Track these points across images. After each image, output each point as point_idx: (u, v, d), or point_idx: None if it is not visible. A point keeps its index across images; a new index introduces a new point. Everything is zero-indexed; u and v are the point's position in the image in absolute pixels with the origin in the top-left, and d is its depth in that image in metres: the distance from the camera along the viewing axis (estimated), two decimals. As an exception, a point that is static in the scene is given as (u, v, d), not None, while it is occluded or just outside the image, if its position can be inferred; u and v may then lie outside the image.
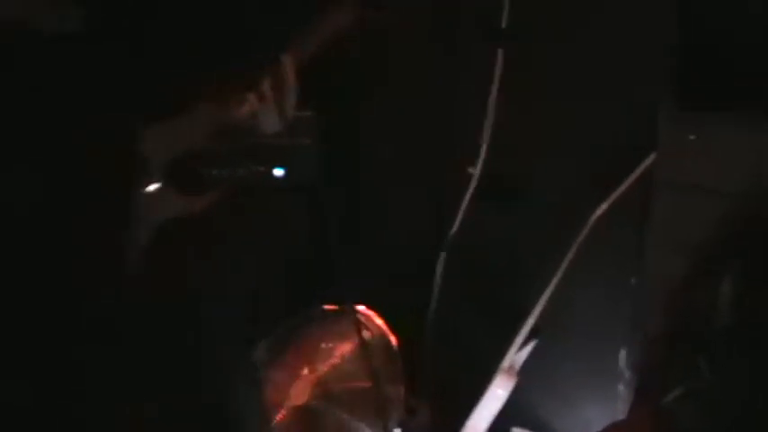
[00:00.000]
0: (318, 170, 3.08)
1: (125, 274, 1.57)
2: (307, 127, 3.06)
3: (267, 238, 3.13)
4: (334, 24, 2.44)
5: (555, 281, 2.88)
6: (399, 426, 2.89)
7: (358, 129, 3.17)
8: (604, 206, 2.85)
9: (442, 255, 3.09)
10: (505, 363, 2.89)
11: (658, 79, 2.75)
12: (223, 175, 2.99)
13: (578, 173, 2.93)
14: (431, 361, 3.09)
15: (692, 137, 2.60)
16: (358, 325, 2.93)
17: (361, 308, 2.97)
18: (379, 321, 2.95)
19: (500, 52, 2.95)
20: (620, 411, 2.74)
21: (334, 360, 2.90)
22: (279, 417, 2.82)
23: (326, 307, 2.99)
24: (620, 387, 2.78)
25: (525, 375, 2.90)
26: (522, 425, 3.04)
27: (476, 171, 3.02)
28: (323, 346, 2.92)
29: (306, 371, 2.90)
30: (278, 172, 3.07)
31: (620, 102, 2.85)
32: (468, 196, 3.04)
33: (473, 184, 3.03)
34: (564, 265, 2.88)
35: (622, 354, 2.79)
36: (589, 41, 2.88)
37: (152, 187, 2.33)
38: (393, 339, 2.93)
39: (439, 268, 3.10)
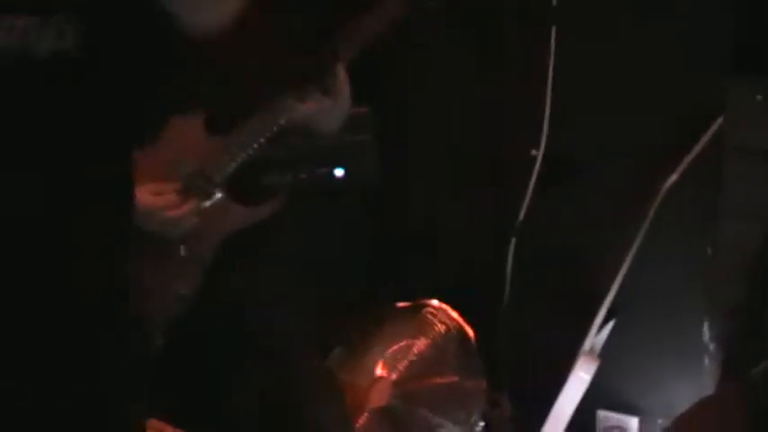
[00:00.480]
0: (378, 166, 3.06)
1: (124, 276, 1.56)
2: (364, 123, 3.03)
3: (332, 241, 3.11)
4: (383, 18, 2.39)
5: (629, 257, 2.83)
6: (482, 419, 2.85)
7: (411, 120, 3.14)
8: (674, 177, 2.78)
9: (512, 241, 3.04)
10: (586, 345, 2.84)
11: (721, 41, 2.68)
12: (285, 181, 2.97)
13: (645, 145, 2.86)
14: (509, 350, 3.05)
15: (758, 97, 2.53)
16: (432, 320, 2.90)
17: (434, 302, 2.94)
18: (455, 314, 2.91)
19: (553, 30, 2.89)
20: (706, 386, 2.67)
21: (412, 358, 2.87)
22: (361, 420, 2.80)
23: (399, 305, 2.96)
24: (706, 361, 2.72)
25: (607, 357, 2.85)
26: (607, 407, 2.99)
27: (539, 153, 2.96)
28: (399, 345, 2.89)
29: (384, 372, 2.87)
30: (339, 172, 3.05)
31: (683, 68, 2.79)
32: (533, 179, 2.98)
33: (537, 166, 2.97)
34: (637, 240, 2.82)
35: (705, 327, 2.72)
36: (648, 9, 2.81)
37: (216, 201, 2.31)
38: (470, 332, 2.89)
39: (510, 255, 3.05)
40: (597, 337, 2.85)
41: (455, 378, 2.85)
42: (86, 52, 1.37)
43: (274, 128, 2.32)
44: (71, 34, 1.35)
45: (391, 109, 3.03)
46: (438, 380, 2.85)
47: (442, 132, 3.13)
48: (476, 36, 3.01)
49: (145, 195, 2.22)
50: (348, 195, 3.09)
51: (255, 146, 2.33)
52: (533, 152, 2.96)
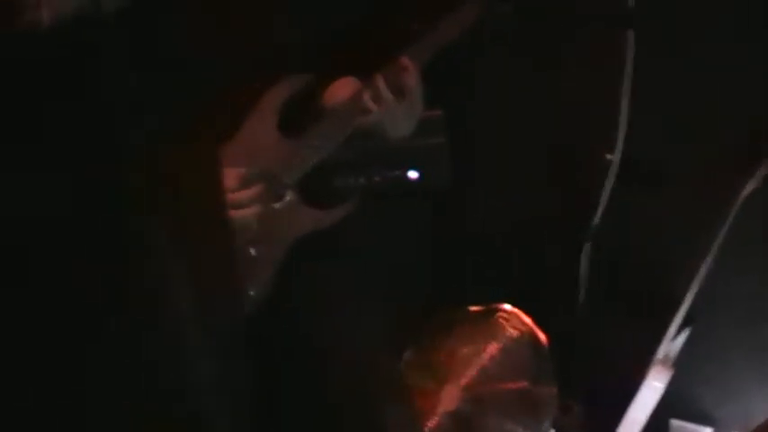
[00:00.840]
0: (452, 169, 3.05)
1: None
2: (437, 126, 3.03)
3: (404, 243, 3.10)
4: (460, 20, 2.38)
5: (706, 265, 2.78)
6: (553, 426, 2.83)
7: (482, 121, 3.12)
8: (754, 182, 2.73)
9: (587, 246, 3.00)
10: (660, 353, 2.80)
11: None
12: (358, 184, 2.97)
13: (722, 151, 2.82)
14: (581, 356, 3.01)
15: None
16: (504, 325, 2.88)
17: (506, 307, 2.92)
18: (527, 319, 2.89)
19: (630, 35, 2.86)
20: (785, 398, 2.63)
21: (483, 362, 2.85)
22: (430, 424, 2.79)
23: (471, 308, 2.94)
24: (785, 372, 2.68)
25: (682, 365, 2.81)
26: (680, 416, 2.95)
27: (614, 157, 2.93)
28: (470, 349, 2.87)
29: (454, 376, 2.85)
30: (413, 175, 3.05)
31: (764, 72, 2.73)
32: (608, 184, 2.95)
33: (612, 170, 2.93)
34: (715, 246, 2.78)
35: (783, 337, 2.68)
36: (726, 11, 2.77)
37: (286, 203, 2.32)
38: (542, 337, 2.87)
39: (584, 260, 3.01)
40: (672, 344, 2.81)
41: (526, 384, 2.83)
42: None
43: (347, 131, 2.32)
44: None
45: (461, 110, 3.01)
46: (509, 385, 2.83)
47: (518, 134, 3.11)
48: (550, 37, 2.98)
49: None
50: (421, 197, 3.08)
51: (328, 148, 2.33)
52: (609, 156, 2.92)
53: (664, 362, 2.79)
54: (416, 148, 3.02)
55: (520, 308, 2.93)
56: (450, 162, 3.05)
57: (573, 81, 2.99)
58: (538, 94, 3.03)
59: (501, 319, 2.90)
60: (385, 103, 2.29)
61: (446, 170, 3.07)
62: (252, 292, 2.29)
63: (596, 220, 2.97)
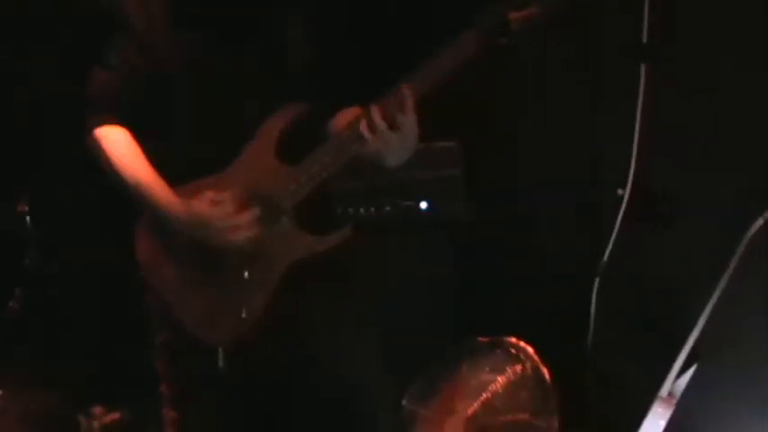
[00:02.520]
0: (465, 201, 3.06)
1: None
2: (451, 158, 3.05)
3: (415, 273, 3.11)
4: (456, 56, 2.37)
5: (713, 301, 2.76)
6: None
7: (500, 157, 3.13)
8: (760, 221, 2.71)
9: (596, 281, 2.99)
10: (664, 390, 2.77)
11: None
12: (365, 213, 3.00)
13: (732, 188, 2.81)
14: (587, 391, 3.00)
15: None
16: (510, 358, 2.88)
17: (512, 340, 2.92)
18: (532, 352, 2.89)
19: (642, 68, 2.86)
20: (790, 437, 2.59)
21: (487, 395, 2.85)
22: (433, 454, 2.80)
23: (479, 340, 2.94)
24: (790, 411, 2.64)
25: (685, 402, 2.78)
26: (684, 453, 2.91)
27: (626, 192, 2.92)
28: (475, 380, 2.87)
29: (459, 407, 2.86)
30: (423, 205, 3.07)
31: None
32: (619, 219, 2.94)
33: (623, 205, 2.93)
34: (722, 283, 2.75)
35: (790, 375, 2.64)
36: (737, 50, 2.77)
37: (282, 227, 2.34)
38: (546, 371, 2.86)
39: (593, 295, 3.00)
40: (677, 381, 2.78)
41: (527, 416, 2.83)
42: None
43: (343, 159, 2.33)
44: None
45: (472, 145, 3.03)
46: (510, 417, 2.83)
47: (529, 168, 3.12)
48: (561, 71, 3.00)
49: (202, 205, 2.27)
50: (433, 229, 3.09)
51: (325, 175, 2.34)
52: (620, 191, 2.92)
53: (667, 399, 2.77)
54: (431, 179, 3.04)
55: (527, 341, 2.92)
56: (466, 194, 3.06)
57: (585, 115, 2.99)
58: (549, 129, 3.05)
59: (507, 352, 2.90)
60: (379, 132, 2.30)
61: (461, 201, 3.09)
62: (244, 315, 2.31)
63: (606, 254, 2.96)
